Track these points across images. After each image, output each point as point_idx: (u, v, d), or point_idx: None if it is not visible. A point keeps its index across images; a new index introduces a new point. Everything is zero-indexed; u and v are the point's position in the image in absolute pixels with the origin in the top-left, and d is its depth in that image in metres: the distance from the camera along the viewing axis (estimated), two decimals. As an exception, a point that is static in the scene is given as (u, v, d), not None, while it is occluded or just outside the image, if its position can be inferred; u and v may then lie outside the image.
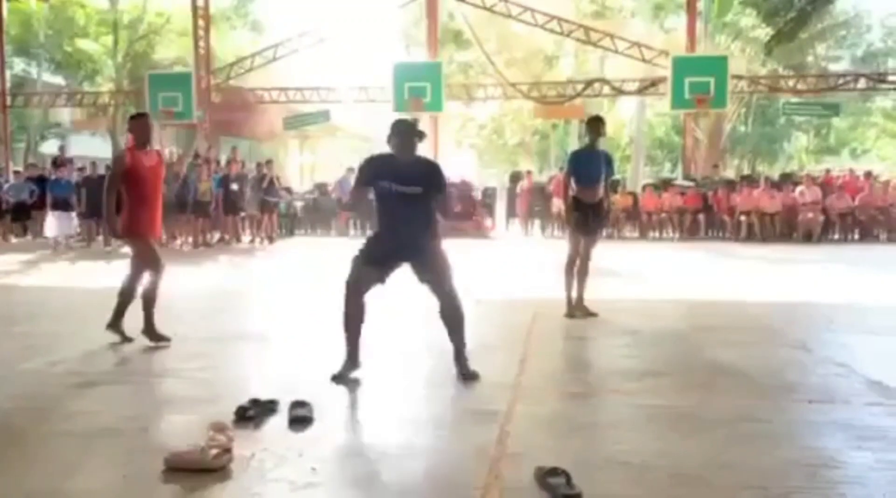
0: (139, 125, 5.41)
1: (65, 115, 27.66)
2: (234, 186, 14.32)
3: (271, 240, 14.98)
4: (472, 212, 16.66)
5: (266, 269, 11.06)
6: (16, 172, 16.99)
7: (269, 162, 16.29)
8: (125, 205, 5.36)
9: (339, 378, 4.29)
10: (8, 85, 21.89)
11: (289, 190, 18.14)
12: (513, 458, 3.12)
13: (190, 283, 9.20)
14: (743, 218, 15.23)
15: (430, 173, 4.39)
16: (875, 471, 3.00)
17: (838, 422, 3.59)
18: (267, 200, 15.15)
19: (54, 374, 4.56)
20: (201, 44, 20.53)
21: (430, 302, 4.46)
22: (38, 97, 23.29)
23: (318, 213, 17.52)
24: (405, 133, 4.34)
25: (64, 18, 27.71)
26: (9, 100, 21.66)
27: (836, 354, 4.99)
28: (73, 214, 14.01)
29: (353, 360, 4.37)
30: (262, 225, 15.21)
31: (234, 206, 14.47)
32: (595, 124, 6.35)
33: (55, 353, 5.08)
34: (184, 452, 3.00)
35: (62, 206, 13.64)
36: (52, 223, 13.57)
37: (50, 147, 25.87)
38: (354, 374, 4.34)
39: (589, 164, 6.28)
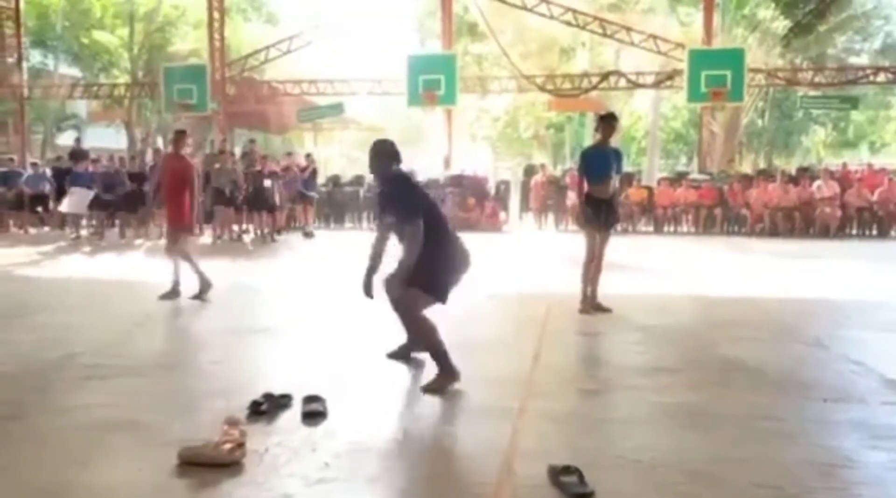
0: (174, 139, 7.27)
1: (81, 106, 27.87)
2: (268, 183, 13.63)
3: (308, 235, 14.72)
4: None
5: (286, 262, 11.08)
6: (33, 164, 17.11)
7: (308, 155, 16.49)
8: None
9: (429, 390, 4.03)
10: (25, 76, 22.03)
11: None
12: (525, 455, 3.11)
13: (210, 276, 9.25)
14: (758, 212, 15.12)
15: (391, 198, 4.28)
16: (891, 471, 2.97)
17: (854, 421, 3.57)
18: (305, 193, 15.11)
19: (70, 366, 4.59)
20: (216, 36, 20.57)
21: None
22: (56, 89, 23.42)
23: (332, 206, 17.54)
24: (372, 154, 4.33)
25: (80, 10, 27.88)
26: (26, 92, 21.81)
27: (852, 351, 4.95)
28: (91, 193, 14.12)
29: (452, 370, 4.09)
30: (298, 218, 15.24)
31: (265, 201, 13.69)
32: (608, 122, 6.36)
33: (71, 345, 5.12)
34: (197, 446, 3.01)
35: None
36: (69, 199, 13.77)
37: (66, 139, 26.05)
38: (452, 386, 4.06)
39: (600, 161, 6.29)
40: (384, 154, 4.34)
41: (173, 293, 6.99)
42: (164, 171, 7.26)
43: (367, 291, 4.42)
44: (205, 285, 7.02)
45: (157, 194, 7.70)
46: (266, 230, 13.72)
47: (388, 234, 4.42)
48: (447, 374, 4.07)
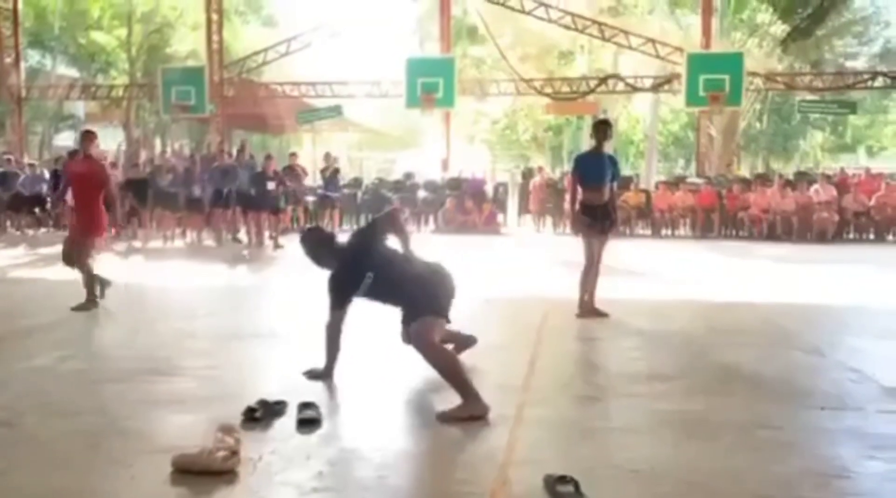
0: (81, 138, 6.76)
1: (79, 107, 27.83)
2: (271, 186, 12.94)
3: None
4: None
5: (283, 266, 11.05)
6: (30, 165, 17.07)
7: (327, 155, 16.43)
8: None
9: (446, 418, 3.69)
10: (23, 77, 21.99)
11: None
12: (521, 464, 3.09)
13: (209, 279, 9.23)
14: (756, 216, 15.13)
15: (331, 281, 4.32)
16: (889, 481, 2.95)
17: (851, 429, 3.55)
18: (329, 196, 14.97)
19: (63, 370, 4.57)
20: (214, 37, 20.57)
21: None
22: (53, 89, 23.39)
23: (329, 208, 17.47)
24: (309, 255, 4.39)
25: (78, 11, 27.83)
26: (24, 92, 21.77)
27: (850, 358, 4.93)
28: None
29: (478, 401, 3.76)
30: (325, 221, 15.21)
31: (268, 202, 12.96)
32: (601, 128, 6.37)
33: (64, 348, 5.10)
34: (191, 454, 2.99)
35: None
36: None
37: (63, 140, 26.00)
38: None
39: (594, 167, 6.29)
40: (317, 245, 4.32)
41: (100, 296, 6.69)
42: (70, 175, 6.83)
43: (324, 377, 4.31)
44: (91, 301, 6.60)
45: (60, 200, 7.49)
46: (269, 233, 13.08)
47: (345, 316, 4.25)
48: (472, 404, 3.69)
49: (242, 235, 13.69)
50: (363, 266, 4.11)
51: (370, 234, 4.35)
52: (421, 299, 4.02)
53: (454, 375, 3.80)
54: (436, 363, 3.85)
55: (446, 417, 3.65)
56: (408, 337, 4.36)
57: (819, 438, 3.49)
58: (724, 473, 3.02)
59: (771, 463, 3.12)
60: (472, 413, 3.66)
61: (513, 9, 19.82)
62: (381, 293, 4.16)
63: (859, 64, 27.49)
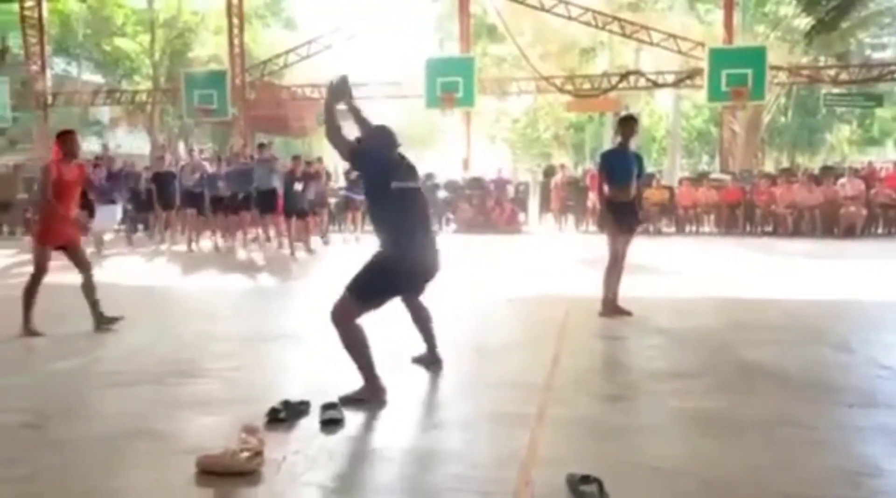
0: (66, 140, 5.75)
1: (104, 112, 28.17)
2: (298, 187, 12.63)
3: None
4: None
5: (306, 267, 11.10)
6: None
7: None
8: (42, 213, 5.79)
9: (346, 401, 3.84)
10: (49, 84, 22.31)
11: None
12: (544, 462, 3.07)
13: (232, 281, 9.30)
14: (781, 212, 14.94)
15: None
16: (920, 480, 2.90)
17: (882, 427, 3.49)
18: (352, 197, 14.94)
19: (90, 374, 4.62)
20: (236, 41, 20.74)
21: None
22: (79, 96, 23.71)
23: (350, 210, 17.50)
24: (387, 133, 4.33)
25: (102, 18, 28.19)
26: (50, 99, 22.09)
27: (880, 355, 4.85)
28: (118, 207, 13.65)
29: (377, 388, 3.95)
30: (348, 223, 15.18)
31: (296, 205, 12.62)
32: (627, 124, 6.34)
33: (90, 352, 5.15)
34: (215, 455, 3.01)
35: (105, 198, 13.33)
36: (98, 217, 13.37)
37: (88, 145, 26.31)
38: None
39: (621, 164, 6.25)
40: (342, 131, 4.26)
41: None
42: (59, 183, 5.74)
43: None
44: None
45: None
46: (296, 239, 12.55)
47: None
48: (371, 390, 3.90)
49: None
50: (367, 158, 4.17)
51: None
52: (375, 272, 3.98)
53: (360, 356, 3.90)
54: (345, 339, 3.91)
55: (346, 400, 3.80)
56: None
57: (848, 436, 3.42)
58: (749, 471, 2.97)
59: (798, 461, 3.07)
60: (369, 397, 3.86)
61: (532, 6, 19.76)
62: (374, 212, 4.16)
63: (886, 55, 27.04)
